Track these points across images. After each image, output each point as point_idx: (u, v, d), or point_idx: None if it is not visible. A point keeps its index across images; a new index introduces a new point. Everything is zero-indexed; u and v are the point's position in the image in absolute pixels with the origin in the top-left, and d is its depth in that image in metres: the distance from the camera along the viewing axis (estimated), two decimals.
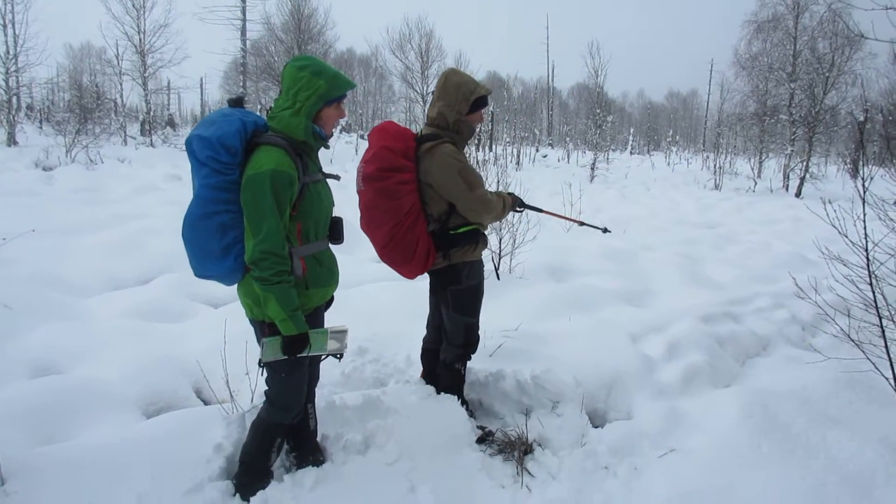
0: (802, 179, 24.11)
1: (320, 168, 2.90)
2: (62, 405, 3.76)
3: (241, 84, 31.72)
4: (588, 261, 7.98)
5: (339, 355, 2.84)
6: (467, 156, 3.63)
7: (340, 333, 2.86)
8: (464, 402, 3.91)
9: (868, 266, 4.07)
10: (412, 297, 5.69)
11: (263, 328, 2.73)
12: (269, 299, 2.58)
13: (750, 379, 4.84)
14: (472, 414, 3.97)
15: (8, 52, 25.86)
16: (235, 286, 2.83)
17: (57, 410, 3.70)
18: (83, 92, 28.71)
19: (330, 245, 3.00)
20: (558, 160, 38.20)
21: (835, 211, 4.18)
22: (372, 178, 3.32)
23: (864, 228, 4.00)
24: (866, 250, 4.05)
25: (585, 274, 7.47)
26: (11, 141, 23.28)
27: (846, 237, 4.09)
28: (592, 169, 27.31)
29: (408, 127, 3.70)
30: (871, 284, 4.06)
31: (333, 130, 2.90)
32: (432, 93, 3.60)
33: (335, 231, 2.98)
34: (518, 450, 3.54)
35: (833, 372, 4.41)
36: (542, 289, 6.38)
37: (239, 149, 2.59)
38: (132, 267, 7.11)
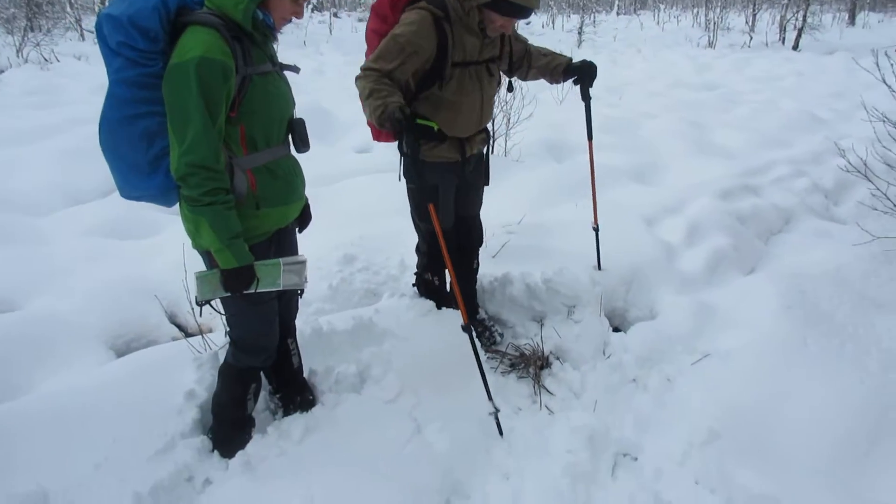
0: (800, 31, 22.89)
1: (272, 57, 2.23)
2: (20, 348, 3.30)
3: None
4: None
5: (300, 291, 2.33)
6: None
7: (298, 265, 2.27)
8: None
9: None
10: (405, 189, 5.11)
11: (211, 259, 2.17)
12: (200, 224, 2.03)
13: (776, 259, 4.40)
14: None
15: None
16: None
17: (14, 356, 3.24)
18: None
19: (295, 153, 2.40)
20: (542, 26, 36.12)
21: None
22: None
23: None
24: None
25: (586, 150, 6.83)
26: None
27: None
28: (579, 33, 25.85)
29: None
30: None
31: (292, 21, 2.22)
32: None
33: (297, 135, 2.35)
34: (534, 366, 3.12)
35: (867, 247, 3.99)
36: (542, 171, 5.80)
37: (159, 31, 1.95)
38: (92, 178, 6.31)
